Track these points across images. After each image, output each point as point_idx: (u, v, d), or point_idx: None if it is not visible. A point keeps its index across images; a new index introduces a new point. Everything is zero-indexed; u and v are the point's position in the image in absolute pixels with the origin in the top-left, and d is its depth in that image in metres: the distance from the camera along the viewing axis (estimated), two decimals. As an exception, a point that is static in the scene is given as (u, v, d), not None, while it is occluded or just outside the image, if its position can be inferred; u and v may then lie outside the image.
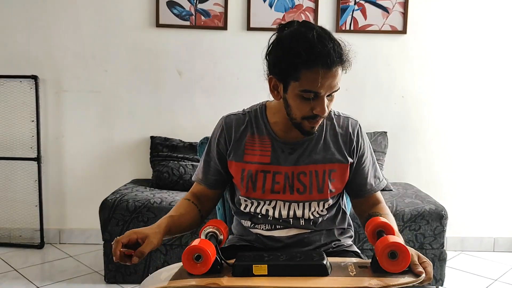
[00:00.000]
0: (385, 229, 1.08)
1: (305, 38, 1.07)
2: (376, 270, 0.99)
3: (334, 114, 1.29)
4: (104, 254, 2.32)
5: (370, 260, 1.05)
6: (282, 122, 1.22)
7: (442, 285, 2.37)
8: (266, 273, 0.98)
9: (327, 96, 1.12)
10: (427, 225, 2.31)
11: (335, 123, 1.27)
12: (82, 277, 2.43)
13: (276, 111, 1.24)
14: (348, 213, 1.37)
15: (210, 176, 1.31)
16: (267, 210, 1.26)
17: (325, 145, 1.25)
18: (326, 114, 1.13)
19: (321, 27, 1.12)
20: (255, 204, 1.27)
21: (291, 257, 1.03)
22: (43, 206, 2.85)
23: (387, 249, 0.96)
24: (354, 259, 1.10)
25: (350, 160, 1.26)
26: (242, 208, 1.29)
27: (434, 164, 2.94)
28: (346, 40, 1.13)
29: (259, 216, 1.27)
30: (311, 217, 1.25)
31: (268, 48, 1.17)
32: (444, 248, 2.35)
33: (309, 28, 1.10)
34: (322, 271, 0.99)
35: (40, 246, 2.84)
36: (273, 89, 1.18)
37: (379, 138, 2.79)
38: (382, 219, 1.11)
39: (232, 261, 1.04)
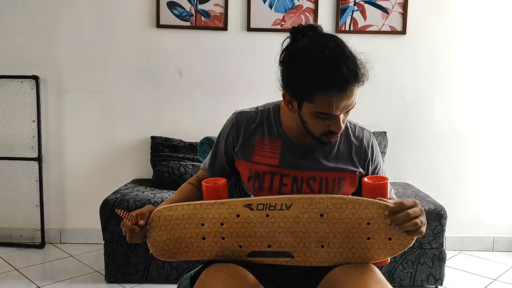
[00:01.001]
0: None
1: (318, 59, 1.03)
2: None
3: (350, 123, 1.28)
4: (105, 253, 2.33)
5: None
6: (296, 127, 1.20)
7: (441, 284, 2.38)
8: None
9: (344, 113, 1.11)
10: (427, 224, 2.31)
11: (350, 133, 1.26)
12: (83, 276, 2.44)
13: (290, 116, 1.20)
14: None
15: (215, 169, 1.32)
16: None
17: (338, 154, 1.24)
18: (341, 130, 1.12)
19: (335, 40, 1.08)
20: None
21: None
22: (44, 206, 2.86)
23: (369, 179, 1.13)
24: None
25: (362, 171, 1.25)
26: None
27: (433, 164, 2.95)
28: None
29: None
30: None
31: (281, 55, 1.13)
32: (444, 247, 2.36)
33: (322, 45, 1.05)
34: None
35: (41, 245, 2.85)
36: (287, 103, 1.15)
37: (379, 138, 2.80)
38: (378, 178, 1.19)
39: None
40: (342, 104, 1.06)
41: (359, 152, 1.25)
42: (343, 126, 1.12)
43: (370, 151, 1.26)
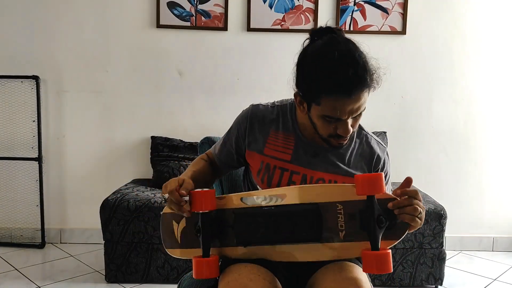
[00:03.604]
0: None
1: (326, 61, 1.05)
2: (364, 223, 1.04)
3: (368, 134, 1.28)
4: (105, 253, 2.33)
5: (360, 201, 1.06)
6: (310, 126, 1.19)
7: (441, 284, 2.38)
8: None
9: (352, 118, 1.10)
10: (426, 224, 2.32)
11: (364, 144, 1.26)
12: (83, 276, 2.44)
13: (304, 115, 1.21)
14: None
15: (222, 156, 1.32)
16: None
17: (350, 159, 1.23)
18: (350, 134, 1.13)
19: (347, 44, 1.08)
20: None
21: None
22: (44, 206, 2.86)
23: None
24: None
25: None
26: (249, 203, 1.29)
27: (433, 164, 2.95)
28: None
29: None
30: None
31: (299, 57, 1.14)
32: (443, 247, 2.36)
33: (333, 47, 1.06)
34: (316, 235, 1.06)
35: (41, 245, 2.85)
36: (299, 104, 1.17)
37: (379, 138, 2.80)
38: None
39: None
40: (348, 109, 1.06)
41: (369, 165, 1.25)
42: (351, 131, 1.11)
43: (381, 166, 1.26)
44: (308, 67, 1.09)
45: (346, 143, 1.20)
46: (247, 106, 1.30)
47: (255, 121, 1.25)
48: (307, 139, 1.22)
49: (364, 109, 1.11)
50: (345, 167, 1.22)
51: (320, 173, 1.20)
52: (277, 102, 1.29)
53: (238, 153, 1.29)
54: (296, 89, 1.15)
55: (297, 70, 1.13)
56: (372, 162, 1.25)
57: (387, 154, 1.29)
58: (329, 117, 1.08)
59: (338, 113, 1.06)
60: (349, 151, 1.24)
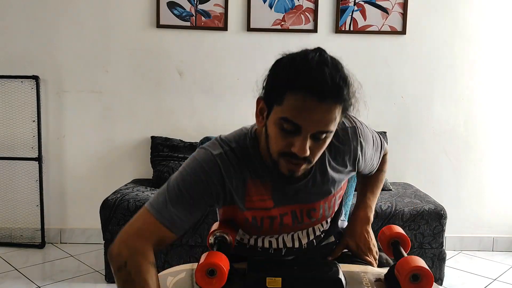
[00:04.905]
0: (400, 240, 1.06)
1: (304, 58, 0.89)
2: (391, 284, 0.97)
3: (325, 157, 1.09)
4: (105, 253, 2.33)
5: (384, 271, 1.02)
6: (274, 150, 0.99)
7: (441, 284, 2.38)
8: (280, 286, 0.93)
9: (314, 137, 0.91)
10: (426, 224, 2.32)
11: (334, 142, 1.07)
12: (83, 276, 2.44)
13: (264, 146, 1.02)
14: (346, 218, 1.37)
15: (185, 224, 1.03)
16: (270, 242, 1.14)
17: (332, 176, 1.10)
18: (304, 155, 0.91)
19: (333, 57, 0.92)
20: (254, 237, 1.15)
21: (305, 269, 0.98)
22: (44, 205, 2.86)
23: (410, 272, 0.91)
24: (369, 269, 1.08)
25: (354, 171, 1.17)
26: (238, 238, 1.15)
27: (433, 163, 2.95)
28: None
29: (259, 249, 1.15)
30: (314, 238, 1.17)
31: (273, 63, 0.99)
32: (443, 247, 2.36)
33: (316, 52, 0.90)
34: (338, 287, 0.94)
35: (41, 245, 2.85)
36: (259, 114, 0.99)
37: (379, 138, 2.80)
38: (397, 229, 1.08)
39: (242, 265, 1.00)
40: (312, 117, 0.88)
41: (349, 156, 1.12)
42: (307, 152, 0.90)
43: (359, 147, 1.13)
44: (281, 64, 0.93)
45: (299, 173, 0.97)
46: (200, 155, 1.04)
47: (229, 177, 1.02)
48: (282, 179, 1.03)
49: (329, 131, 0.91)
50: (330, 185, 1.10)
51: (310, 205, 1.10)
52: (229, 141, 1.06)
53: (204, 209, 1.06)
54: (258, 97, 0.98)
55: (268, 73, 0.97)
56: (351, 152, 1.11)
57: (358, 129, 1.12)
58: (288, 121, 0.89)
59: (301, 118, 0.88)
60: (327, 169, 1.08)
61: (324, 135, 0.92)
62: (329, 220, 1.20)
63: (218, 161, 1.01)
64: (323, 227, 1.18)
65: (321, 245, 1.20)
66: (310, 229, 1.16)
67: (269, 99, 0.94)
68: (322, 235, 1.19)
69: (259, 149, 1.04)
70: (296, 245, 1.15)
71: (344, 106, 0.91)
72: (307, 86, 0.86)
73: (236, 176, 1.02)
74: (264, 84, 0.96)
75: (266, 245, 1.14)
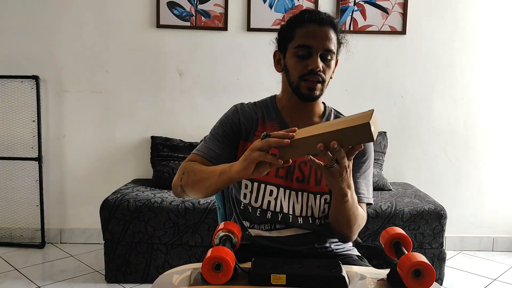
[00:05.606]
0: (402, 241, 1.07)
1: (302, 12, 1.23)
2: (393, 283, 0.98)
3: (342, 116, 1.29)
4: (105, 253, 2.33)
5: (386, 271, 1.03)
6: (288, 101, 1.28)
7: (441, 284, 2.38)
8: (284, 283, 0.95)
9: (323, 58, 1.19)
10: (426, 224, 2.32)
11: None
12: (83, 276, 2.44)
13: (282, 93, 1.31)
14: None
15: (217, 151, 1.26)
16: (268, 202, 1.24)
17: None
18: (319, 69, 1.18)
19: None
20: (255, 194, 1.25)
21: (309, 267, 1.00)
22: (44, 205, 2.86)
23: (412, 268, 0.93)
24: (371, 269, 1.09)
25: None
26: (241, 197, 1.27)
27: (433, 163, 2.95)
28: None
29: (258, 214, 1.25)
30: (309, 214, 1.24)
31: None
32: (443, 247, 2.36)
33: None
34: (341, 284, 0.96)
35: (41, 245, 2.85)
36: (277, 63, 1.30)
37: (379, 138, 2.80)
38: (398, 230, 1.09)
39: (247, 264, 1.02)
40: (318, 37, 1.18)
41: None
42: (320, 66, 1.19)
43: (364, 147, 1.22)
44: (286, 21, 1.27)
45: (317, 92, 1.22)
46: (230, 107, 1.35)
47: (244, 115, 1.30)
48: (290, 126, 1.23)
49: (332, 52, 1.20)
50: None
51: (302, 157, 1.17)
52: (257, 101, 1.36)
53: (232, 145, 1.28)
54: (276, 48, 1.31)
55: (278, 32, 1.30)
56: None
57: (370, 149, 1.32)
58: (301, 46, 1.19)
59: (310, 39, 1.18)
60: None
61: (329, 56, 1.21)
62: (321, 199, 1.23)
63: (237, 107, 1.33)
64: (315, 202, 1.23)
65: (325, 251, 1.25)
66: (305, 194, 1.23)
67: (283, 42, 1.26)
68: (317, 216, 1.24)
69: (276, 104, 1.32)
70: (291, 211, 1.24)
71: (337, 37, 1.23)
72: (309, 19, 1.20)
73: (250, 115, 1.30)
74: (277, 37, 1.30)
75: (265, 206, 1.25)
